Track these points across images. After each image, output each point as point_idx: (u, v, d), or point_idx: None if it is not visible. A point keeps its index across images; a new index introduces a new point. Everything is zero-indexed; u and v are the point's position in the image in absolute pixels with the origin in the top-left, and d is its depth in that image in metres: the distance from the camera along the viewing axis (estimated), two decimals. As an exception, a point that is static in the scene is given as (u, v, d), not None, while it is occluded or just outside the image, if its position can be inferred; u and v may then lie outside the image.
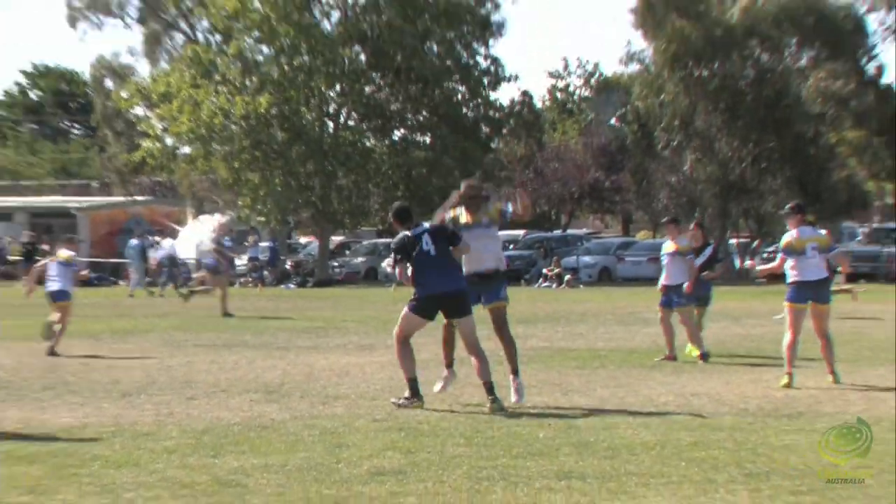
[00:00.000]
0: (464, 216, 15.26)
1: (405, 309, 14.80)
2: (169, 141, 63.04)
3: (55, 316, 22.16)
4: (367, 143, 62.18)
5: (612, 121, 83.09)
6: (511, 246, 61.13)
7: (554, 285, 52.41)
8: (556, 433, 12.59)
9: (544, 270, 54.83)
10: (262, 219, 61.03)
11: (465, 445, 11.87)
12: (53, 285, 22.44)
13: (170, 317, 32.71)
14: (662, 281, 20.71)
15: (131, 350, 22.67)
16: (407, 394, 14.64)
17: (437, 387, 15.35)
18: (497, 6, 64.53)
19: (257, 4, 59.49)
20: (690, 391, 16.13)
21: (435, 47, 62.58)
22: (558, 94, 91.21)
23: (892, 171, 63.26)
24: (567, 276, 53.17)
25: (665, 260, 20.81)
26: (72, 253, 22.85)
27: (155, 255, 58.52)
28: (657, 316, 20.91)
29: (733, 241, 62.46)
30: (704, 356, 19.90)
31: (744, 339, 24.29)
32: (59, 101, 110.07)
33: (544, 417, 13.76)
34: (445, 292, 14.60)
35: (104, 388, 16.69)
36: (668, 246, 20.92)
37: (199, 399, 15.52)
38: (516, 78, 71.73)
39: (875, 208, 76.29)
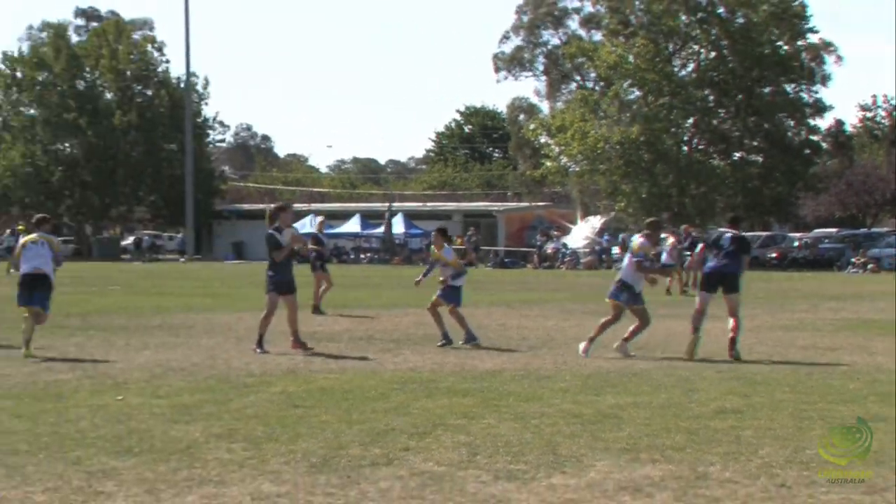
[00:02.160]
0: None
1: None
2: (563, 161, 63.63)
3: None
4: (713, 163, 61.23)
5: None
6: (826, 239, 58.96)
7: (860, 271, 50.09)
8: (863, 385, 12.06)
9: (853, 259, 52.44)
10: (632, 219, 60.68)
11: (789, 392, 11.50)
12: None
13: (563, 291, 32.94)
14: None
15: (535, 315, 22.93)
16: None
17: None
18: (822, 62, 62.20)
19: (631, 59, 59.39)
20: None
21: (767, 88, 60.99)
22: (868, 123, 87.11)
23: None
24: (871, 265, 50.69)
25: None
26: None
27: (553, 246, 59.25)
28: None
29: None
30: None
31: None
32: (484, 132, 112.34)
33: (854, 372, 13.19)
34: None
35: (516, 343, 16.94)
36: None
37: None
38: (832, 108, 69.15)
39: None
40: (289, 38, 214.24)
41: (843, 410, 10.29)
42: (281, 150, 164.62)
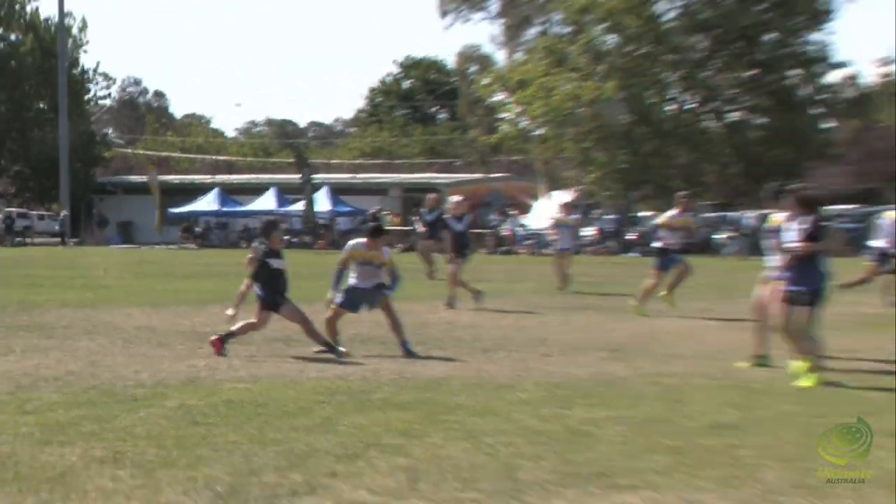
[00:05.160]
0: None
1: None
2: (524, 124, 63.79)
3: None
4: (705, 125, 61.63)
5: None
6: (842, 220, 59.47)
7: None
8: (886, 394, 12.20)
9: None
10: (608, 193, 61.00)
11: (795, 404, 11.62)
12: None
13: (523, 281, 33.02)
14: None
15: (490, 311, 22.92)
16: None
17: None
18: None
19: (605, -1, 59.58)
20: None
21: (770, 35, 61.36)
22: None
23: None
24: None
25: None
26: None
27: (510, 226, 59.49)
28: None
29: None
30: None
31: None
32: (427, 88, 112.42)
33: (874, 379, 13.36)
34: None
35: (468, 345, 16.97)
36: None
37: (553, 356, 15.61)
38: (846, 64, 69.72)
39: None
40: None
41: (860, 425, 10.40)
42: (178, 109, 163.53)
